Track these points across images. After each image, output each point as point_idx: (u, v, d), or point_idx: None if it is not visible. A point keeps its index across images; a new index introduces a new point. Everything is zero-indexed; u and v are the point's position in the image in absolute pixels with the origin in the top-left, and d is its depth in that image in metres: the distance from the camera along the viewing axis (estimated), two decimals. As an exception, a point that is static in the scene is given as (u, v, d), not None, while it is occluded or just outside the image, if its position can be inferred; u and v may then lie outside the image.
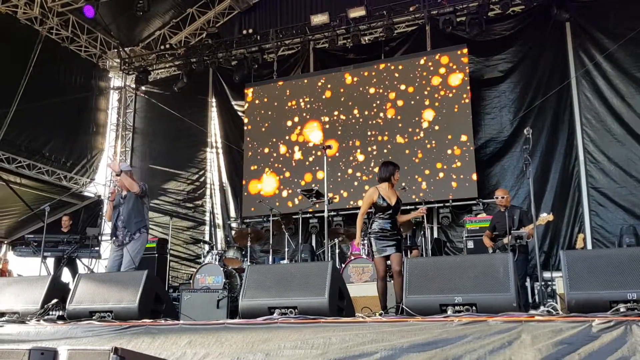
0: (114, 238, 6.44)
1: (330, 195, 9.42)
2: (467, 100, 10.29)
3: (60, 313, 5.29)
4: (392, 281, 7.38)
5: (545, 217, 6.83)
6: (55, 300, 5.38)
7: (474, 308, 4.03)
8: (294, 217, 9.91)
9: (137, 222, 6.36)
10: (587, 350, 2.95)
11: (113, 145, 13.95)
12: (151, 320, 4.65)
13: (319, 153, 10.94)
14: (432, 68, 10.76)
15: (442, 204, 10.19)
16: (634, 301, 3.61)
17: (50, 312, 5.32)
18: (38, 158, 11.93)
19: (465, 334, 3.23)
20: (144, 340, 3.86)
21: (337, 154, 11.01)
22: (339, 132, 11.21)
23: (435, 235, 10.41)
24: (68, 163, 12.67)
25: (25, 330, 4.61)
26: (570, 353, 2.96)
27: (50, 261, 9.53)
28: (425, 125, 10.58)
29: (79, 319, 4.90)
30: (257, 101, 12.19)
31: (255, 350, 3.40)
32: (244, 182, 11.96)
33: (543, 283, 7.31)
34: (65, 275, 9.35)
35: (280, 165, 11.58)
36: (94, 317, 4.96)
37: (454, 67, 10.54)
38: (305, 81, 11.93)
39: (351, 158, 11.01)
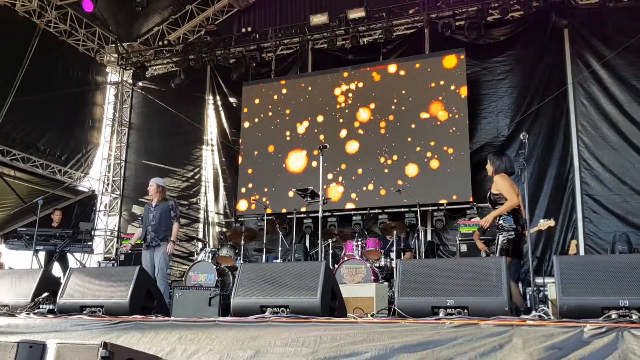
0: (145, 242, 7.42)
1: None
2: (463, 104, 10.30)
3: (51, 307, 5.26)
4: (385, 282, 7.39)
5: (546, 222, 6.84)
6: (45, 294, 5.35)
7: (465, 311, 4.03)
8: (288, 216, 9.91)
9: (165, 230, 7.30)
10: (578, 356, 2.94)
11: (108, 140, 13.90)
12: (142, 316, 4.62)
13: (315, 152, 10.92)
14: (429, 71, 10.77)
15: (436, 207, 10.20)
16: (625, 308, 3.60)
17: (41, 306, 5.29)
18: (33, 151, 11.88)
19: (456, 336, 3.23)
20: (133, 335, 3.85)
21: (331, 155, 10.98)
22: (334, 133, 11.20)
23: (429, 238, 10.42)
24: (63, 157, 12.63)
25: (14, 322, 4.58)
26: (561, 358, 2.95)
27: (42, 255, 9.50)
28: (421, 127, 10.58)
29: (69, 313, 4.87)
30: (254, 100, 12.17)
31: (245, 347, 3.39)
32: (239, 181, 11.94)
33: (535, 288, 7.33)
34: (56, 270, 9.32)
35: (276, 164, 11.56)
36: (84, 312, 4.93)
37: (452, 70, 10.55)
38: (303, 81, 11.93)
39: (345, 158, 11.00)
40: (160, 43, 13.29)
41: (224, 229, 12.20)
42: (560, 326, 3.18)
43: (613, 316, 3.57)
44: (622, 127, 9.47)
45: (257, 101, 12.13)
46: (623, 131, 9.45)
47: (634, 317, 3.52)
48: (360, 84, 11.26)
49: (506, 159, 6.11)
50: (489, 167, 6.13)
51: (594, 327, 3.07)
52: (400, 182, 10.26)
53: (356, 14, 11.01)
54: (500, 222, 5.78)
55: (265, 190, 11.46)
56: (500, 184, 5.86)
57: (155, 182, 7.60)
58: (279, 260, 9.18)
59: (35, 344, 2.89)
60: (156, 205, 7.45)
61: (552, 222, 6.84)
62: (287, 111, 11.78)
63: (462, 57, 10.49)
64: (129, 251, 8.68)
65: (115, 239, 13.18)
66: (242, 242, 9.20)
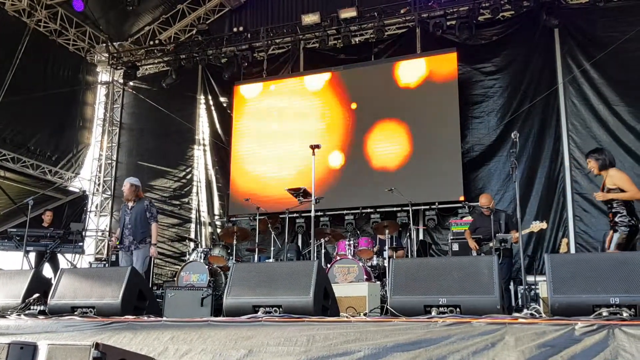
0: (121, 244, 7.20)
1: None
2: (455, 104, 10.32)
3: (42, 308, 5.23)
4: (377, 281, 7.41)
5: (538, 224, 6.85)
6: (36, 295, 5.32)
7: (458, 310, 4.04)
8: (280, 216, 9.90)
9: (142, 232, 7.10)
10: (569, 353, 2.96)
11: (99, 140, 13.83)
12: (134, 316, 4.60)
13: (307, 152, 10.90)
14: (421, 71, 10.79)
15: (428, 206, 10.22)
16: (616, 305, 3.63)
17: (32, 307, 5.25)
18: (23, 151, 11.78)
19: (449, 334, 3.24)
20: (125, 335, 3.83)
21: (324, 154, 10.98)
22: (327, 132, 11.20)
23: (421, 237, 10.44)
24: (53, 157, 12.54)
25: (4, 324, 4.54)
26: (553, 355, 2.97)
27: (32, 256, 9.43)
28: (412, 127, 10.60)
29: (60, 314, 4.84)
30: (246, 99, 12.16)
31: (238, 347, 3.38)
32: (231, 180, 11.92)
33: (526, 287, 7.37)
34: (47, 271, 9.26)
35: (268, 164, 11.54)
36: (75, 313, 4.91)
37: (443, 70, 10.57)
38: (295, 80, 11.93)
39: (338, 157, 11.00)
40: (152, 42, 13.26)
41: (217, 229, 12.17)
42: (551, 324, 3.19)
43: (604, 314, 3.60)
44: (612, 126, 9.53)
45: (248, 101, 12.11)
46: (613, 130, 9.50)
47: (625, 314, 3.55)
48: (352, 84, 11.26)
49: (607, 152, 5.99)
50: (594, 165, 5.95)
51: (585, 325, 3.09)
52: (392, 181, 10.25)
53: (348, 13, 11.02)
54: (617, 219, 5.71)
55: (257, 189, 11.43)
56: (619, 178, 5.73)
57: (128, 182, 7.31)
58: (271, 260, 9.17)
59: (26, 345, 2.87)
60: (132, 207, 7.23)
61: (544, 225, 6.86)
62: (279, 111, 11.76)
63: (454, 57, 10.52)
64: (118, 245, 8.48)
65: (106, 240, 13.12)
66: (235, 242, 9.17)
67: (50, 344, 2.83)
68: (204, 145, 12.95)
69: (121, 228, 7.22)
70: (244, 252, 10.67)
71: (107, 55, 13.37)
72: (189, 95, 13.19)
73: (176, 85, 12.78)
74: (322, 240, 9.08)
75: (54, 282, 5.40)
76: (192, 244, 11.02)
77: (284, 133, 11.60)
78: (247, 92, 12.20)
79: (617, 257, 3.98)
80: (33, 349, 2.87)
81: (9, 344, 2.82)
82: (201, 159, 12.92)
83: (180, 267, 8.94)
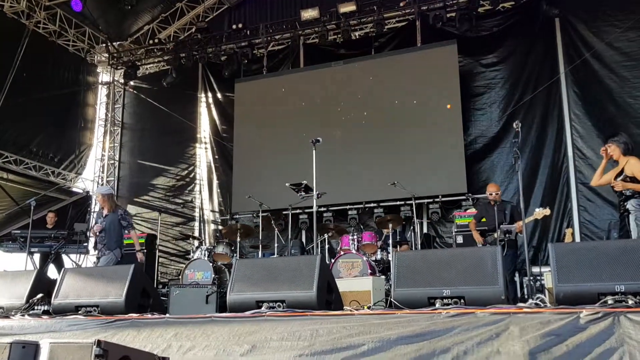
0: (96, 251, 7.55)
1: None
2: (457, 96, 10.27)
3: (46, 308, 5.23)
4: (382, 275, 7.39)
5: (542, 211, 6.83)
6: (40, 295, 5.32)
7: (462, 301, 4.02)
8: (283, 212, 9.88)
9: (115, 241, 7.36)
10: (575, 341, 2.94)
11: (101, 140, 13.84)
12: (137, 314, 4.60)
13: (308, 147, 10.86)
14: (422, 64, 10.74)
15: (431, 200, 10.19)
16: (621, 293, 3.61)
17: (36, 307, 5.26)
18: (25, 153, 11.80)
19: (453, 326, 3.22)
20: (129, 333, 3.83)
21: (325, 149, 10.93)
22: (328, 128, 11.16)
23: (425, 230, 10.41)
24: (56, 158, 12.56)
25: (8, 324, 4.55)
26: (558, 344, 2.95)
27: (37, 257, 9.45)
28: (415, 120, 10.56)
29: (64, 314, 4.84)
30: (246, 96, 12.13)
31: (241, 342, 3.37)
32: (233, 178, 11.91)
33: (532, 278, 7.33)
34: (52, 272, 9.28)
35: (269, 160, 11.52)
36: (79, 312, 4.91)
37: (444, 62, 10.52)
38: (295, 76, 11.89)
39: (339, 153, 10.97)
40: (151, 42, 13.25)
41: (220, 227, 12.17)
42: (556, 313, 3.17)
43: (609, 302, 3.58)
44: (614, 117, 9.47)
45: (249, 98, 12.09)
46: (616, 120, 9.44)
47: (630, 302, 3.53)
48: (353, 78, 11.22)
49: (627, 137, 5.91)
50: (615, 149, 5.86)
51: (590, 313, 3.07)
52: (395, 175, 10.22)
53: (347, 7, 10.97)
54: (629, 205, 5.66)
55: (260, 186, 11.40)
56: (638, 168, 5.65)
57: (99, 193, 7.72)
58: (275, 256, 9.17)
59: (29, 344, 2.86)
60: (106, 216, 7.47)
61: (547, 211, 6.83)
62: (280, 107, 11.73)
63: (454, 49, 10.46)
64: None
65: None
66: (238, 239, 9.17)
67: (52, 343, 2.82)
68: (206, 143, 12.94)
69: (94, 237, 7.58)
70: (247, 249, 10.67)
71: (107, 55, 13.36)
72: (190, 94, 13.18)
73: (176, 83, 12.77)
74: (326, 236, 9.07)
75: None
76: (196, 242, 11.03)
77: (285, 129, 11.56)
78: (248, 89, 12.18)
79: (621, 245, 3.95)
80: (35, 347, 2.85)
81: (10, 343, 2.81)
82: (203, 157, 12.92)
83: (184, 265, 8.94)
